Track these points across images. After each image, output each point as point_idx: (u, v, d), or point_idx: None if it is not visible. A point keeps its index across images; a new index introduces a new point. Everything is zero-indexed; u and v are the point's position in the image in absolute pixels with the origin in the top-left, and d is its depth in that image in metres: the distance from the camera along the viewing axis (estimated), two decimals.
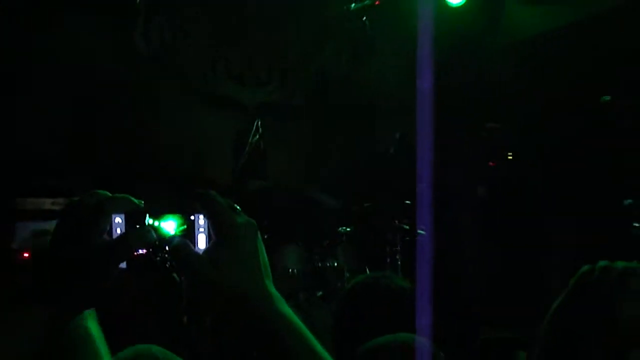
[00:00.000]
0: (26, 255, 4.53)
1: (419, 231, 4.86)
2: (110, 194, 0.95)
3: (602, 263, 0.92)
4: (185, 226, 0.96)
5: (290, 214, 5.18)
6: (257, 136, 4.98)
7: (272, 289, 0.92)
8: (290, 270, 4.83)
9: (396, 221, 5.04)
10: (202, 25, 5.90)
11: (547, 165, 5.00)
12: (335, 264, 4.93)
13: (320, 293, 4.79)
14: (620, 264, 0.91)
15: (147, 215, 0.96)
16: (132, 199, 0.96)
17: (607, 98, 3.87)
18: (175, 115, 5.73)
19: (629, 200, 4.06)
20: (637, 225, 3.85)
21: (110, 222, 0.95)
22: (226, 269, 0.89)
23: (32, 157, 4.75)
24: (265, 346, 0.90)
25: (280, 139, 5.63)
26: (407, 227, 5.02)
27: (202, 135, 5.79)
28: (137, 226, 0.95)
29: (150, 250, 0.97)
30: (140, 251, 0.96)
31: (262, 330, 0.90)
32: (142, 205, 0.97)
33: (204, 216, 0.94)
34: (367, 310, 1.87)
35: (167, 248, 0.95)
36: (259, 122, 4.98)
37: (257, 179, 5.28)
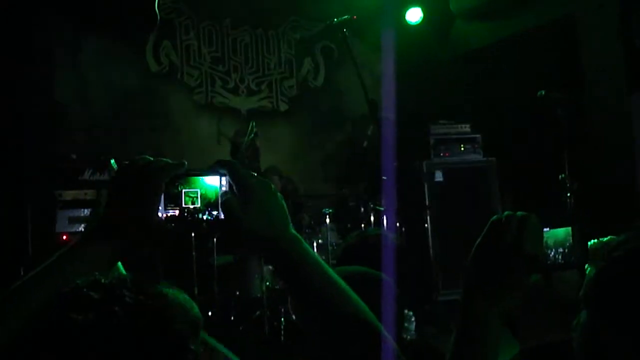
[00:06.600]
0: (65, 237, 5.05)
1: (378, 207, 5.39)
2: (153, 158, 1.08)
3: (506, 213, 1.08)
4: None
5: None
6: (252, 135, 5.48)
7: (294, 232, 1.05)
8: None
9: (370, 203, 5.59)
10: (201, 50, 6.75)
11: (495, 150, 5.74)
12: (320, 241, 5.41)
13: None
14: (519, 213, 1.07)
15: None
16: (170, 161, 1.09)
17: (543, 93, 4.36)
18: (182, 120, 6.51)
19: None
20: (568, 195, 4.37)
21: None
22: (254, 218, 1.02)
23: (68, 157, 5.26)
24: (293, 277, 1.04)
25: (269, 138, 6.32)
26: (381, 207, 5.45)
27: (204, 135, 6.55)
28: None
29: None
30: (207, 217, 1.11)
31: (289, 265, 1.03)
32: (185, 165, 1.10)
33: (229, 178, 1.08)
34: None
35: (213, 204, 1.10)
36: (254, 124, 5.51)
37: (252, 171, 5.91)
